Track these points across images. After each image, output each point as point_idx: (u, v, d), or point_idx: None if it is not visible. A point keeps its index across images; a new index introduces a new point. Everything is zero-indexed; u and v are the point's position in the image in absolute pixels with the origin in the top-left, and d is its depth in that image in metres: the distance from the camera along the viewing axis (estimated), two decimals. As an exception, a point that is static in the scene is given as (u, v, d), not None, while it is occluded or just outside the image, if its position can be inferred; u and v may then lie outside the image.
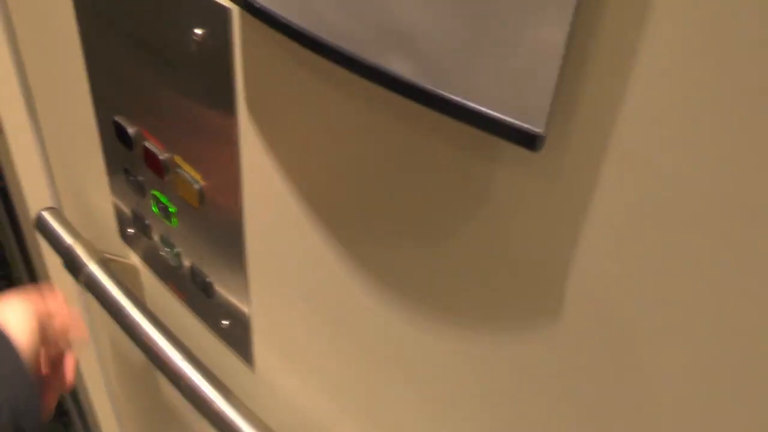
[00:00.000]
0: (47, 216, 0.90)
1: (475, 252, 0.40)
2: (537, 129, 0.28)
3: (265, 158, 0.52)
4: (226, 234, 0.63)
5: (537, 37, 0.26)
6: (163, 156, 0.65)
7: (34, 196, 1.06)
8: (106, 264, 0.83)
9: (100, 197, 0.88)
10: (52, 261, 1.10)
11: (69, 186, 1.00)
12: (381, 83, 0.33)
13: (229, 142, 0.55)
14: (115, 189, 0.82)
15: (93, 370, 1.25)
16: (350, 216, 0.48)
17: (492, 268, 0.39)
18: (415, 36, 0.30)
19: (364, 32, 0.33)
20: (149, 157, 0.67)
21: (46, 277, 1.14)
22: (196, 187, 0.62)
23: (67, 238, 0.86)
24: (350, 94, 0.42)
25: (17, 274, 1.15)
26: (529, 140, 0.28)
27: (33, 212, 0.99)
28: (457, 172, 0.38)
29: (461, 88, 0.29)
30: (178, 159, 0.64)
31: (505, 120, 0.28)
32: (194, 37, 0.52)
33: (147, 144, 0.67)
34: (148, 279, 0.85)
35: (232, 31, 0.49)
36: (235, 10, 0.48)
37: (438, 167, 0.39)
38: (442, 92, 0.30)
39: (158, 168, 0.67)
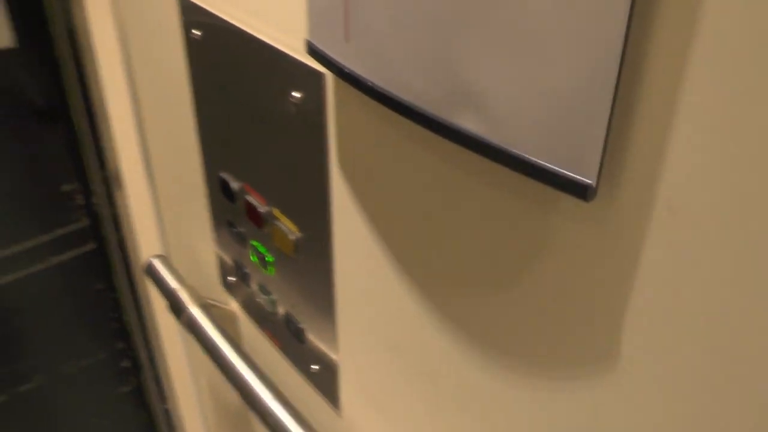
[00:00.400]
0: (156, 263, 0.96)
1: (541, 300, 0.41)
2: (588, 180, 0.30)
3: (354, 211, 0.55)
4: (318, 283, 0.65)
5: (586, 95, 0.29)
6: (263, 209, 0.69)
7: (146, 244, 1.12)
8: (207, 308, 0.87)
9: (204, 247, 0.92)
10: (158, 304, 1.16)
11: (177, 236, 1.06)
12: (454, 140, 0.36)
13: (322, 196, 0.58)
14: (218, 239, 0.86)
15: (191, 406, 1.30)
16: (434, 268, 0.49)
17: (555, 314, 0.40)
18: (482, 97, 0.33)
19: (439, 94, 0.36)
20: (250, 210, 0.71)
21: (153, 319, 1.21)
22: (292, 237, 0.65)
23: (173, 283, 0.91)
24: (432, 152, 0.44)
25: (127, 317, 1.23)
26: (581, 190, 0.30)
27: (144, 259, 1.06)
28: (527, 223, 0.39)
29: (522, 144, 0.32)
30: (276, 212, 0.67)
31: (559, 171, 0.31)
32: (292, 100, 0.56)
33: (249, 198, 0.71)
34: (244, 324, 0.88)
35: (326, 93, 0.52)
36: (329, 75, 0.51)
37: (508, 218, 0.40)
38: (502, 146, 0.32)
39: (258, 220, 0.70)
